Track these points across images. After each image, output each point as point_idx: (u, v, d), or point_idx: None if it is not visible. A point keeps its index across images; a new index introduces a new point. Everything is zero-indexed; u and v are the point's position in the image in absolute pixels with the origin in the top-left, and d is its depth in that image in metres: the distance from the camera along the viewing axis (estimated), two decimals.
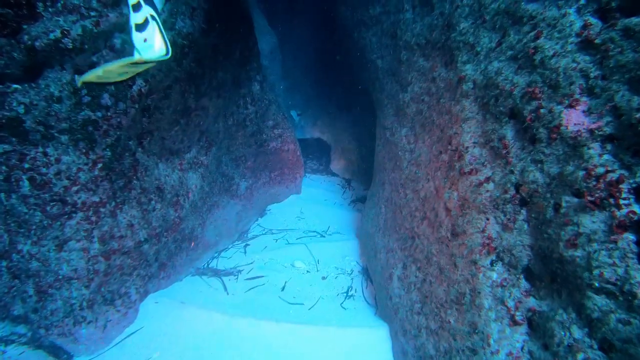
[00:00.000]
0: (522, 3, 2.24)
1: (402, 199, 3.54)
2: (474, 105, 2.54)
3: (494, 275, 2.23)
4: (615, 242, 1.56)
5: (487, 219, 2.32)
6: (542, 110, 1.98)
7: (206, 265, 4.64)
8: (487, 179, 2.34)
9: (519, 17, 2.24)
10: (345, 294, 4.23)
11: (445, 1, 2.97)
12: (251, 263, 4.70)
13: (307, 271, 4.62)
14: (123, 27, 2.72)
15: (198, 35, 3.55)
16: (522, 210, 2.10)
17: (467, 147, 2.53)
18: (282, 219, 5.82)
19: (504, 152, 2.23)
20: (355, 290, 4.33)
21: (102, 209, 3.00)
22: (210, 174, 4.47)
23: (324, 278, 4.51)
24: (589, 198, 1.67)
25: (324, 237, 5.41)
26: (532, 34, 2.12)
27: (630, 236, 1.52)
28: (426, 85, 3.19)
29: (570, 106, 1.84)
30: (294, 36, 8.45)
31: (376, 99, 4.65)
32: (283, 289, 4.26)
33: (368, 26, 4.73)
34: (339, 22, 6.03)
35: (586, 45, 1.83)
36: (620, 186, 1.57)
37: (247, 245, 5.12)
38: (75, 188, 2.77)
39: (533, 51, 2.08)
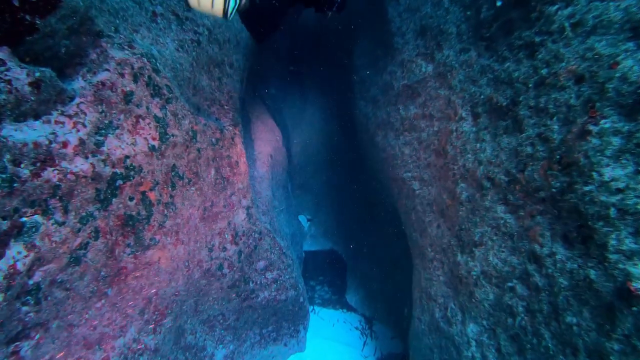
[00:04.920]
0: None
1: None
2: None
3: None
4: None
5: None
6: None
7: None
8: None
9: None
10: None
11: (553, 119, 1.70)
12: None
13: None
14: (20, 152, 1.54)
15: (141, 157, 2.36)
16: None
17: None
18: None
19: None
20: None
21: None
22: (163, 356, 2.98)
23: None
24: None
25: None
26: None
27: None
28: (519, 263, 1.80)
29: None
30: (304, 128, 7.48)
31: (412, 238, 3.25)
32: None
33: (398, 131, 3.53)
34: (357, 120, 4.94)
35: None
36: None
37: None
38: None
39: None
